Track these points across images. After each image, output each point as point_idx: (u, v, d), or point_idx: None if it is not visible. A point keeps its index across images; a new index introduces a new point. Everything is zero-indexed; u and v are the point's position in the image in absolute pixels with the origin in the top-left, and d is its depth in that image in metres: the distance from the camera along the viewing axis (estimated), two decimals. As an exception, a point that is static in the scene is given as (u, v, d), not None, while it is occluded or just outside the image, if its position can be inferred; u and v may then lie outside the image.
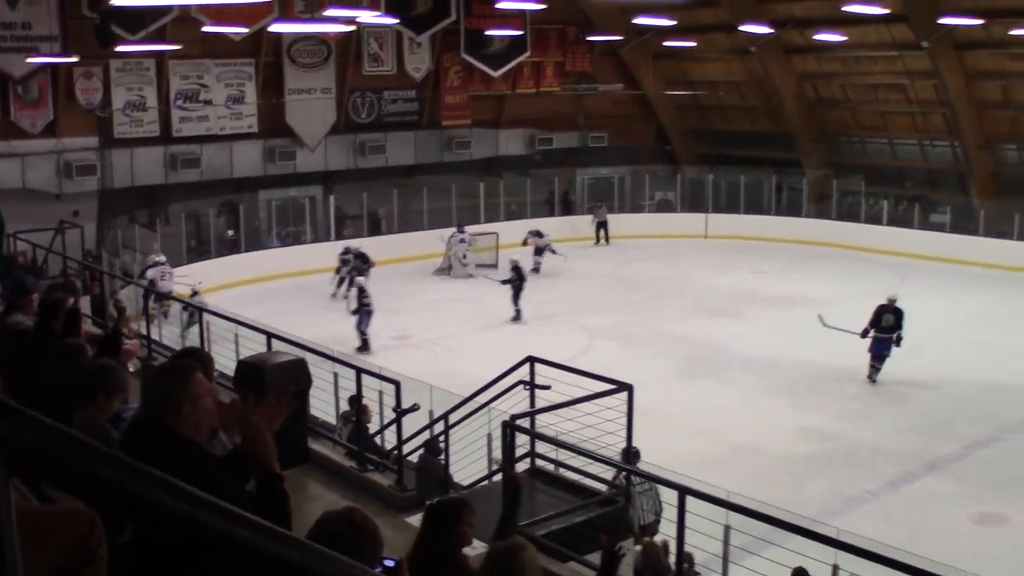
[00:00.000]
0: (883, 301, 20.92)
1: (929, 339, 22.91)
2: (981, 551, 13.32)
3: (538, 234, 32.73)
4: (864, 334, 20.64)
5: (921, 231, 34.59)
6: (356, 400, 12.64)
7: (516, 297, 26.45)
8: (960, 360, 21.81)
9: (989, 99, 33.15)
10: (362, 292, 24.06)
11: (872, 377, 20.62)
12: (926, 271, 31.43)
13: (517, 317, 26.31)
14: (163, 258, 25.80)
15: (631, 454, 11.18)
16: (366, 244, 31.09)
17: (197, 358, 5.20)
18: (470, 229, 32.83)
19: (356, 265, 27.73)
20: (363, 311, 23.74)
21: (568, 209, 39.27)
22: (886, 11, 28.56)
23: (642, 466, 11.19)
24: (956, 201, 34.98)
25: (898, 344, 20.41)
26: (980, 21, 28.76)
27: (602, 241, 37.35)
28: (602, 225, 37.48)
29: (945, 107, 33.56)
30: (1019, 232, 32.19)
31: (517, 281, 26.51)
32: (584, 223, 37.49)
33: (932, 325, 24.11)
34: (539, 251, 32.24)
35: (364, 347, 22.93)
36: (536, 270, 31.54)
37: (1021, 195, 33.24)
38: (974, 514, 14.76)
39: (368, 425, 12.34)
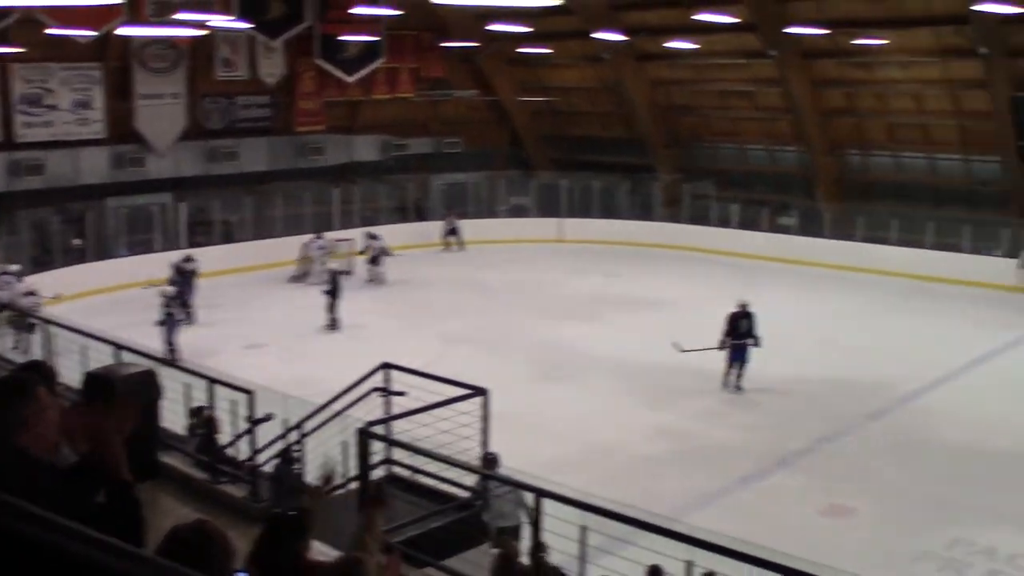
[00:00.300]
0: (734, 308, 21.17)
1: (778, 339, 23.51)
2: (830, 542, 13.76)
3: (373, 236, 32.42)
4: (723, 345, 20.89)
5: (770, 234, 35.54)
6: (199, 411, 12.49)
7: (332, 306, 26.02)
8: (808, 359, 22.44)
9: (834, 106, 34.23)
10: (167, 302, 23.49)
11: (738, 384, 20.77)
12: (775, 273, 32.34)
13: (332, 326, 25.91)
14: (15, 267, 24.95)
15: (489, 459, 11.24)
16: (219, 252, 30.70)
17: (39, 371, 5.08)
18: (327, 236, 32.59)
19: (172, 277, 26.95)
20: (169, 321, 23.19)
21: (421, 215, 39.20)
22: (736, 20, 29.27)
23: (500, 470, 11.26)
24: (803, 205, 35.99)
25: (758, 345, 20.74)
26: (825, 31, 29.67)
27: (454, 247, 37.29)
28: (453, 232, 37.38)
29: (792, 114, 34.56)
30: (863, 234, 33.29)
31: (333, 289, 26.20)
32: (442, 229, 37.44)
33: (781, 326, 24.74)
34: (375, 259, 31.74)
35: (171, 359, 21.18)
36: (374, 280, 31.35)
37: (864, 199, 34.41)
38: (823, 507, 15.22)
39: (216, 436, 12.16)
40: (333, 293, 26.11)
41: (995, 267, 30.09)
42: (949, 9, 27.91)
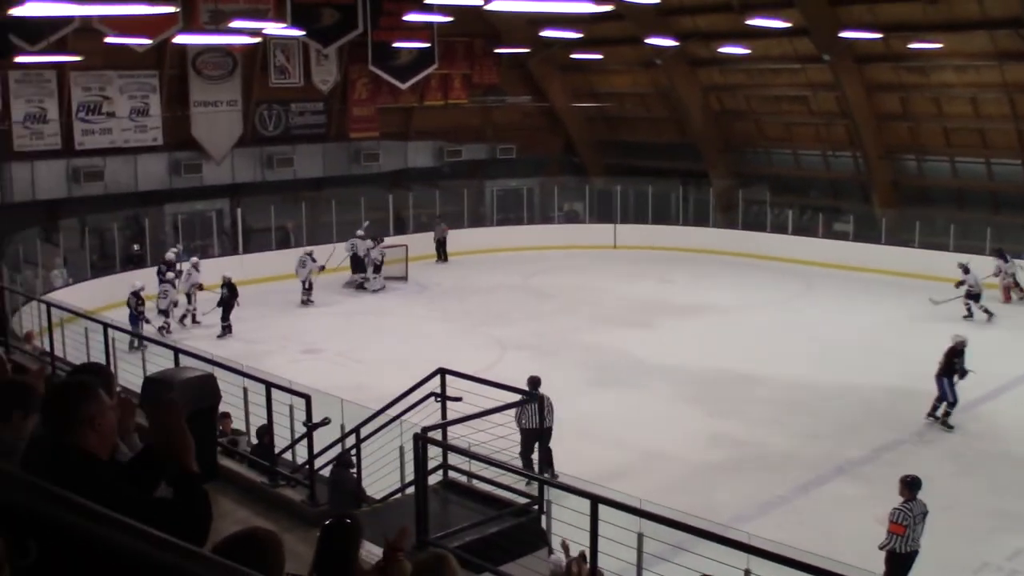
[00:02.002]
0: (952, 343, 19.43)
1: (835, 346, 23.32)
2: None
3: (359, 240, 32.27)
4: (962, 375, 19.05)
5: (825, 240, 35.18)
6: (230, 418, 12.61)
7: (226, 313, 26.28)
8: (865, 366, 22.15)
9: (888, 111, 33.84)
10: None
11: (946, 421, 19.13)
12: (830, 279, 32.04)
13: (224, 333, 26.07)
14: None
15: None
16: (275, 257, 31.05)
17: (97, 373, 5.09)
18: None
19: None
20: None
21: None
22: (788, 25, 29.03)
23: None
24: (859, 210, 35.62)
25: (963, 377, 19.22)
26: (879, 35, 29.34)
27: (441, 258, 36.63)
28: (441, 243, 36.69)
29: (847, 118, 34.21)
30: (919, 240, 32.85)
31: (229, 298, 26.37)
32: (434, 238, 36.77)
33: (838, 332, 24.55)
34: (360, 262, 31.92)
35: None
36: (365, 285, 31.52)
37: (921, 204, 33.99)
38: (882, 515, 14.97)
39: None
40: (228, 301, 26.35)
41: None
42: (1005, 12, 27.55)
